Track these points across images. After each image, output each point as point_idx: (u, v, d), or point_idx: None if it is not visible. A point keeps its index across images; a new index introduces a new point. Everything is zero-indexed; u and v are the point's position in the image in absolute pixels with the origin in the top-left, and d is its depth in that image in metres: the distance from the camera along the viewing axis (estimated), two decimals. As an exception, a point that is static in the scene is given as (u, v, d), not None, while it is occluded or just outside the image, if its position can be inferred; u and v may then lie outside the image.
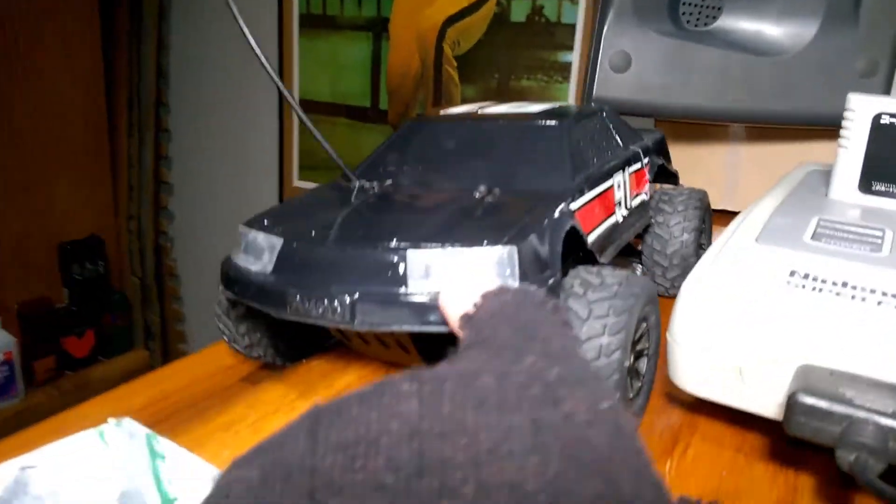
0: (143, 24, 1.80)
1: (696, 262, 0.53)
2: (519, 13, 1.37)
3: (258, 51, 0.40)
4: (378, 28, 1.54)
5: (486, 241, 0.33)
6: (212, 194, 1.91)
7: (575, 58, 1.33)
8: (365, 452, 0.17)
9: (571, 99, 1.35)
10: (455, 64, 1.47)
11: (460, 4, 1.42)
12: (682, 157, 0.81)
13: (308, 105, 1.68)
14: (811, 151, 0.74)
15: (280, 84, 0.41)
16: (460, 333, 0.26)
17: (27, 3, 1.56)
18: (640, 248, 0.55)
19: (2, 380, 1.56)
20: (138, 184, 1.89)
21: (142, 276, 1.92)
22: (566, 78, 1.35)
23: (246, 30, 0.40)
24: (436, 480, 0.16)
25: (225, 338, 0.43)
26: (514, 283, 0.32)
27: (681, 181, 0.63)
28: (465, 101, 1.47)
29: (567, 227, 0.36)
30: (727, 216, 0.81)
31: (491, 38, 1.41)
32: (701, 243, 0.55)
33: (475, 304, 0.27)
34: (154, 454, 0.29)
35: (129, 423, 0.31)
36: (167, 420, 0.37)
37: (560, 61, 1.35)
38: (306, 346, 0.44)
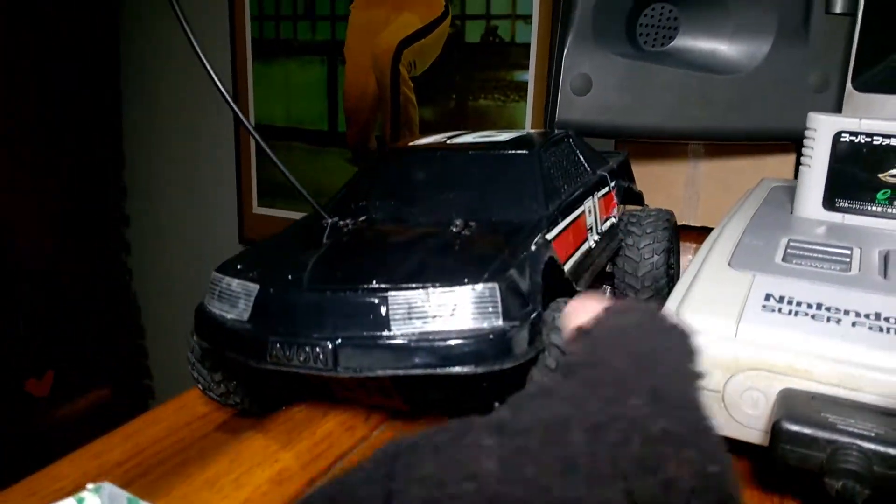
0: (92, 53, 1.77)
1: (666, 283, 0.53)
2: (473, 34, 1.38)
3: (217, 81, 0.39)
4: (333, 52, 1.54)
5: (466, 280, 0.32)
6: (170, 225, 1.87)
7: (531, 77, 1.34)
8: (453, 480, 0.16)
9: (529, 116, 1.36)
10: (412, 85, 1.47)
11: (414, 26, 1.43)
12: (644, 174, 0.82)
13: (264, 130, 1.66)
14: (768, 165, 0.76)
15: (246, 121, 0.40)
16: (571, 347, 0.24)
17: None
18: (610, 269, 0.55)
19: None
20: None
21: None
22: (522, 97, 1.36)
23: (204, 58, 0.39)
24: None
25: (199, 386, 0.41)
26: (498, 322, 0.32)
27: (645, 200, 0.63)
28: (423, 122, 1.47)
29: (546, 259, 0.36)
30: (689, 232, 0.82)
31: (447, 59, 1.42)
32: (670, 263, 0.56)
33: (596, 318, 0.24)
34: (136, 520, 0.28)
35: (109, 488, 0.30)
36: (146, 476, 0.35)
37: (516, 80, 1.36)
38: (284, 392, 0.43)
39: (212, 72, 0.39)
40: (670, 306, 0.38)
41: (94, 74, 1.78)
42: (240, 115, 0.40)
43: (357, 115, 1.55)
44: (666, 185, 0.82)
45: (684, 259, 0.71)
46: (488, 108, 1.40)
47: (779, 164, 0.77)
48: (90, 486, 0.31)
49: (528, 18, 1.32)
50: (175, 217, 1.86)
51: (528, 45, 1.34)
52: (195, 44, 0.39)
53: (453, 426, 0.18)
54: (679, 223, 0.84)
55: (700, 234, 0.81)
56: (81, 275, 1.84)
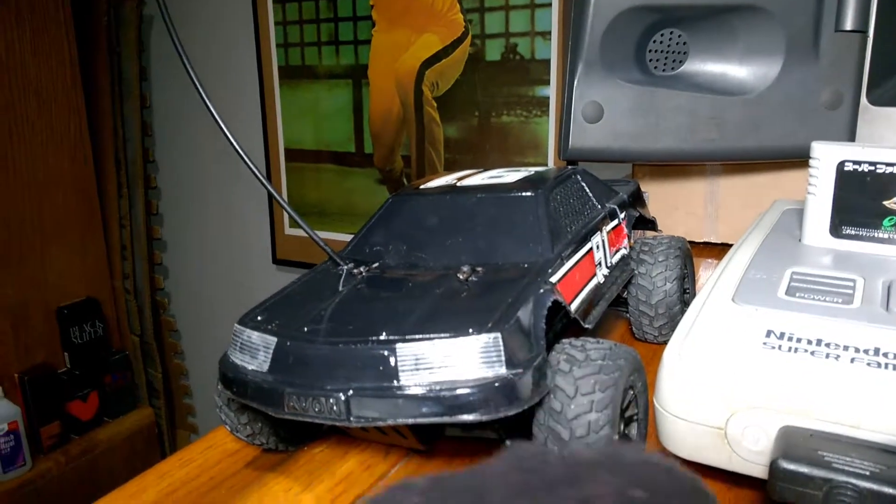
0: (125, 82, 1.83)
1: (680, 310, 0.54)
2: (493, 52, 1.40)
3: (232, 139, 0.41)
4: (357, 75, 1.57)
5: (471, 330, 0.34)
6: (204, 248, 1.92)
7: (552, 92, 1.36)
8: None
9: (552, 132, 1.37)
10: (435, 105, 1.49)
11: (435, 47, 1.45)
12: (663, 194, 0.83)
13: (293, 153, 1.70)
14: (786, 180, 0.76)
15: (266, 182, 0.42)
16: None
17: (8, 74, 1.58)
18: (625, 296, 0.57)
19: (8, 450, 1.56)
20: (131, 243, 1.90)
21: (140, 333, 1.93)
22: (545, 112, 1.37)
23: (224, 127, 0.41)
24: None
25: (227, 427, 0.44)
26: (502, 370, 0.34)
27: (663, 216, 0.64)
28: (447, 140, 1.49)
29: (548, 303, 0.38)
30: (710, 248, 0.83)
31: (468, 78, 1.44)
32: (685, 289, 0.56)
33: None
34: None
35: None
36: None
37: (537, 96, 1.37)
38: (307, 432, 0.45)
39: (236, 145, 0.41)
40: (675, 342, 0.39)
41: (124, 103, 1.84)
42: (260, 177, 0.42)
43: (383, 136, 1.58)
44: (685, 202, 0.82)
45: (707, 274, 0.71)
46: (511, 124, 1.41)
47: (798, 179, 0.77)
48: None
49: (547, 35, 1.34)
50: (208, 241, 1.91)
51: (548, 61, 1.35)
52: (207, 101, 0.41)
53: None
54: (700, 240, 0.84)
55: (722, 250, 0.82)
56: (119, 302, 1.90)
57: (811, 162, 0.48)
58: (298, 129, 1.68)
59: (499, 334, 0.34)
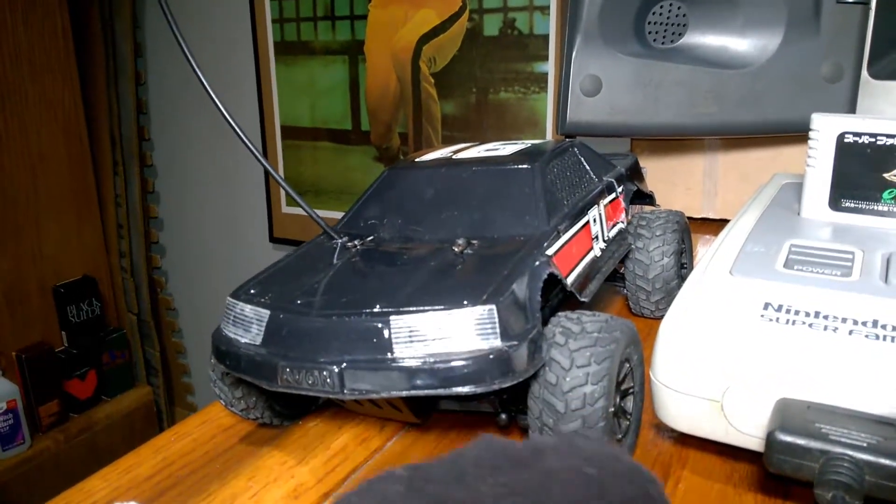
0: (119, 60, 1.81)
1: (677, 284, 0.54)
2: (491, 27, 1.38)
3: (229, 118, 0.41)
4: (353, 51, 1.55)
5: (465, 302, 0.34)
6: (201, 226, 1.91)
7: (550, 68, 1.34)
8: None
9: (550, 108, 1.36)
10: (433, 81, 1.48)
11: (432, 23, 1.43)
12: (661, 167, 0.82)
13: (289, 131, 1.69)
14: (785, 155, 0.76)
15: (261, 158, 0.41)
16: None
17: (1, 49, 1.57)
18: (622, 271, 0.56)
19: (7, 428, 1.56)
20: (127, 221, 1.89)
21: (138, 312, 1.93)
22: (543, 88, 1.36)
23: (220, 104, 0.41)
24: None
25: (221, 401, 0.43)
26: (497, 342, 0.33)
27: (661, 192, 0.64)
28: (445, 117, 1.48)
29: (544, 276, 0.37)
30: (708, 224, 0.82)
31: (466, 54, 1.42)
32: (683, 263, 0.56)
33: None
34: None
35: (133, 509, 0.32)
36: (171, 490, 0.37)
37: (536, 72, 1.36)
38: (302, 406, 0.45)
39: (233, 122, 0.40)
40: (671, 314, 0.39)
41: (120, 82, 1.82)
42: (257, 154, 0.41)
43: (380, 112, 1.57)
44: (684, 177, 0.82)
45: (704, 250, 0.71)
46: (509, 101, 1.40)
47: (797, 154, 0.76)
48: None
49: (545, 9, 1.32)
50: (205, 219, 1.90)
51: (546, 37, 1.34)
52: (202, 78, 0.40)
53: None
54: (698, 216, 0.84)
55: (720, 226, 0.81)
56: (116, 280, 1.90)
57: (811, 134, 0.47)
58: (294, 106, 1.67)
59: (493, 306, 0.33)
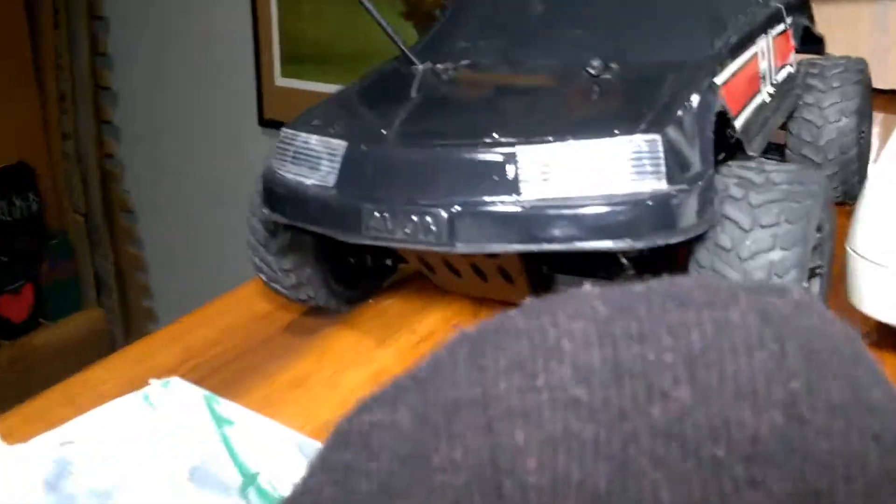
0: None
1: (855, 156, 0.53)
2: None
3: None
4: None
5: (617, 131, 0.33)
6: (167, 101, 1.90)
7: None
8: (545, 366, 0.17)
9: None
10: None
11: None
12: (818, 15, 0.80)
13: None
14: None
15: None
16: None
17: None
18: (783, 140, 0.55)
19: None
20: (71, 91, 1.88)
21: (86, 212, 1.94)
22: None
23: None
24: (640, 385, 0.17)
25: (262, 277, 0.44)
26: (661, 184, 0.33)
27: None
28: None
29: (717, 109, 0.37)
30: (877, 97, 0.80)
31: None
32: (861, 131, 0.55)
33: None
34: (219, 420, 0.30)
35: (179, 384, 0.32)
36: (211, 378, 0.38)
37: None
38: (365, 284, 0.45)
39: None
40: (881, 166, 0.38)
41: None
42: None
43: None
44: (846, 30, 0.79)
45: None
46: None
47: None
48: (154, 381, 0.33)
49: None
50: (173, 90, 1.88)
51: None
52: None
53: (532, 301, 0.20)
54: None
55: (891, 98, 0.79)
56: (58, 169, 1.91)
57: None
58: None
59: (657, 137, 0.33)
